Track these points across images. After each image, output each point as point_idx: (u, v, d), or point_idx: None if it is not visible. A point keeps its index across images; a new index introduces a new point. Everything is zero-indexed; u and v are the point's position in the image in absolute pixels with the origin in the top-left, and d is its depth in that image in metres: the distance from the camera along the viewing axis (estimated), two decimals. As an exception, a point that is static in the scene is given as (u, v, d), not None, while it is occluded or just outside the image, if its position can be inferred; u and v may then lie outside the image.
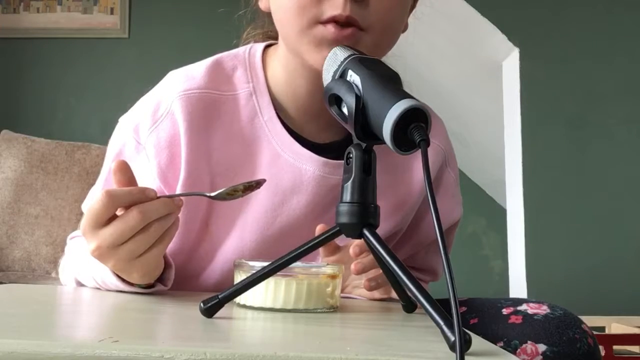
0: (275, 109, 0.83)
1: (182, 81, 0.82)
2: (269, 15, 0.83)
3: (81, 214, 0.94)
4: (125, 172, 0.67)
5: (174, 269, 0.76)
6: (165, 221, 0.65)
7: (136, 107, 0.85)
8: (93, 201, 0.64)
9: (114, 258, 0.66)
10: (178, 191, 0.81)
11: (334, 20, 0.72)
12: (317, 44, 0.74)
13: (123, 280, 0.71)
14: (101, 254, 0.65)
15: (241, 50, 0.87)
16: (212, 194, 0.67)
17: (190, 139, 0.80)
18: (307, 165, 0.82)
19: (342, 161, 0.80)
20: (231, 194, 0.67)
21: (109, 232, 0.64)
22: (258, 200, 0.82)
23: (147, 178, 0.82)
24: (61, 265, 0.90)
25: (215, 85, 0.82)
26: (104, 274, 0.72)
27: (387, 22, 0.76)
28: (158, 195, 0.66)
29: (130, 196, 0.64)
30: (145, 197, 0.64)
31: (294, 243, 0.76)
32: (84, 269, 0.79)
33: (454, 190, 0.95)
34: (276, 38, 0.87)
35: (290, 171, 0.82)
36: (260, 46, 0.87)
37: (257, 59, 0.85)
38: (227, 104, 0.82)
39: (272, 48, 0.87)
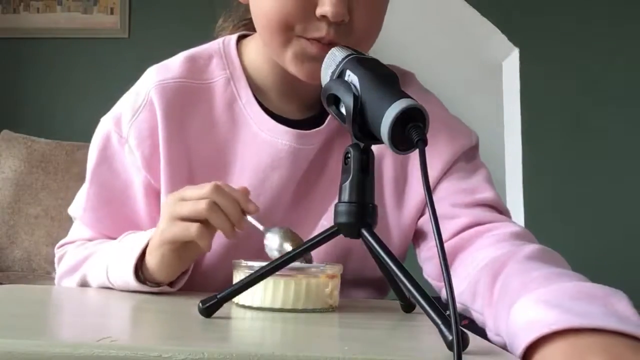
0: (253, 93, 0.84)
1: (158, 72, 0.84)
2: (240, 5, 0.85)
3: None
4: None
5: (187, 276, 0.78)
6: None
7: (116, 104, 0.87)
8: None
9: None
10: (162, 179, 0.82)
11: (316, 40, 0.73)
12: (298, 56, 0.75)
13: (137, 277, 0.73)
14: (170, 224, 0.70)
15: (214, 42, 0.89)
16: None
17: (167, 127, 0.81)
18: (283, 139, 0.82)
19: (317, 129, 0.83)
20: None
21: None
22: (243, 180, 0.83)
23: (131, 170, 0.84)
24: (59, 272, 0.90)
25: (192, 75, 0.84)
26: (123, 268, 0.75)
27: (369, 36, 0.78)
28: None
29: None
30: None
31: (278, 221, 0.79)
32: (98, 260, 0.81)
33: (439, 126, 0.81)
34: (246, 27, 0.90)
35: (267, 148, 0.83)
36: (233, 36, 0.89)
37: (232, 47, 0.87)
38: (205, 93, 0.84)
39: (246, 39, 0.89)
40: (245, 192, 0.73)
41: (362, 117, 0.58)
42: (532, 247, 0.68)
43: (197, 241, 0.69)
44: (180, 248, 0.71)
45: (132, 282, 0.73)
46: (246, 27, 0.91)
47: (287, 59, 0.76)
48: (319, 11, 0.71)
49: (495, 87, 2.28)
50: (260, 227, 0.71)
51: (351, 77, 0.61)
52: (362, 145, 0.59)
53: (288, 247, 0.69)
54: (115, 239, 0.86)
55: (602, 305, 0.51)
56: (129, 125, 0.82)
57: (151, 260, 0.73)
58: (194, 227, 0.68)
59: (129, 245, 0.77)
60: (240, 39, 0.89)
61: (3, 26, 2.97)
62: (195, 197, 0.70)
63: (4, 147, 2.52)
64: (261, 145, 0.83)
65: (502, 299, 0.61)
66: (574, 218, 2.16)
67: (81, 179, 0.92)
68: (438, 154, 0.82)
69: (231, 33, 0.91)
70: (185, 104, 0.83)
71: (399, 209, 0.86)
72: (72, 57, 2.94)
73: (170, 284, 0.76)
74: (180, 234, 0.69)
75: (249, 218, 0.71)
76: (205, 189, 0.70)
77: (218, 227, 0.69)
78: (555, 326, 0.49)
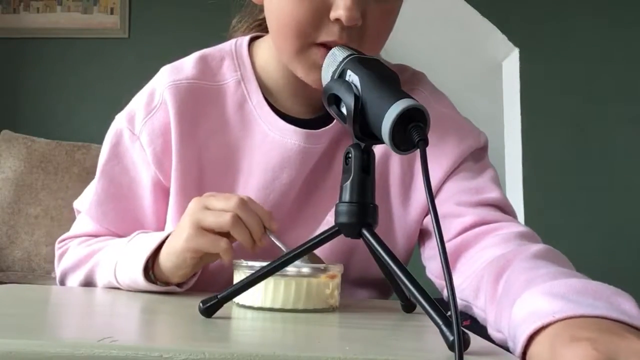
0: (263, 94, 0.86)
1: (171, 73, 0.86)
2: (256, 6, 0.86)
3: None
4: None
5: (196, 277, 0.79)
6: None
7: (131, 102, 0.89)
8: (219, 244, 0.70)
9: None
10: (172, 177, 0.83)
11: (328, 45, 0.73)
12: (310, 66, 0.76)
13: (147, 276, 0.74)
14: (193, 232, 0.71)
15: (227, 43, 0.90)
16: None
17: (179, 126, 0.83)
18: (293, 139, 0.84)
19: (325, 128, 0.84)
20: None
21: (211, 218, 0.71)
22: (253, 179, 0.84)
23: (140, 167, 0.85)
24: (62, 267, 0.90)
25: (204, 76, 0.86)
26: (132, 267, 0.75)
27: (380, 40, 0.78)
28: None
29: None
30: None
31: (285, 218, 0.81)
32: (105, 257, 0.82)
33: (448, 126, 0.86)
34: (260, 27, 0.91)
35: (277, 147, 0.84)
36: (246, 38, 0.90)
37: (244, 49, 0.88)
38: (216, 94, 0.85)
39: (258, 40, 0.90)
40: (270, 212, 0.74)
41: (363, 117, 0.58)
42: (538, 247, 0.68)
43: (222, 255, 0.71)
44: (201, 256, 0.72)
45: (141, 281, 0.74)
46: (260, 28, 0.92)
47: (298, 66, 0.77)
48: (333, 15, 0.72)
49: (495, 87, 2.28)
50: (283, 248, 0.71)
51: (352, 77, 0.61)
52: (363, 145, 0.59)
53: (306, 269, 0.68)
54: (118, 234, 0.87)
55: (608, 303, 0.50)
56: (142, 123, 0.84)
57: (168, 264, 0.74)
58: (223, 242, 0.70)
59: (140, 245, 0.77)
60: (252, 39, 0.90)
61: (3, 26, 2.96)
62: (220, 208, 0.70)
63: (4, 147, 2.52)
64: (271, 145, 0.84)
65: (505, 295, 0.60)
66: (574, 218, 2.16)
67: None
68: (445, 154, 0.83)
69: (244, 34, 0.92)
70: (197, 104, 0.84)
71: (405, 208, 0.86)
72: (72, 57, 2.94)
73: (179, 285, 0.77)
74: (206, 247, 0.71)
75: (272, 237, 0.72)
76: (230, 202, 0.70)
77: (240, 240, 0.70)
78: (558, 315, 0.48)
